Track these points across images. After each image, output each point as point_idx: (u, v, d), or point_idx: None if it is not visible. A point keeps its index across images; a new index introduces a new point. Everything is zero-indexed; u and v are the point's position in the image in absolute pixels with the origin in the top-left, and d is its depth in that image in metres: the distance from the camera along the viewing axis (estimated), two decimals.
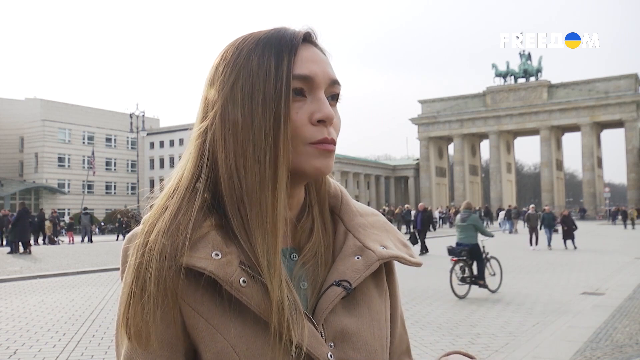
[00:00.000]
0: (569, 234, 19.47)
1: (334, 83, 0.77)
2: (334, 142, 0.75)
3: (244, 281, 0.69)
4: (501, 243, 24.51)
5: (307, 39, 0.78)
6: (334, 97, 0.78)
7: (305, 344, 0.70)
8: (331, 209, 0.86)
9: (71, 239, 29.12)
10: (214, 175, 0.76)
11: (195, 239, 0.70)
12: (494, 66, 67.79)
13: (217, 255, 0.69)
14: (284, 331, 0.68)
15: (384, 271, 0.86)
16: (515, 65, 66.83)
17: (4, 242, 20.01)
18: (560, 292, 9.78)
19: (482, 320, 7.37)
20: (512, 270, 13.38)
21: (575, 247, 19.12)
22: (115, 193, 65.35)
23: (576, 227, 19.62)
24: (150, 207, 0.78)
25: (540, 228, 20.72)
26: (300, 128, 0.72)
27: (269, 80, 0.71)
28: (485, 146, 74.56)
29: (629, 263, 14.79)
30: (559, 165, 69.93)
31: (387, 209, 41.83)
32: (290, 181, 0.74)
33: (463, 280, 9.32)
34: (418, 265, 0.85)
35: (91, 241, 28.05)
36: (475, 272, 9.52)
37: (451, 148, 72.97)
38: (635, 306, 8.21)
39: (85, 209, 31.08)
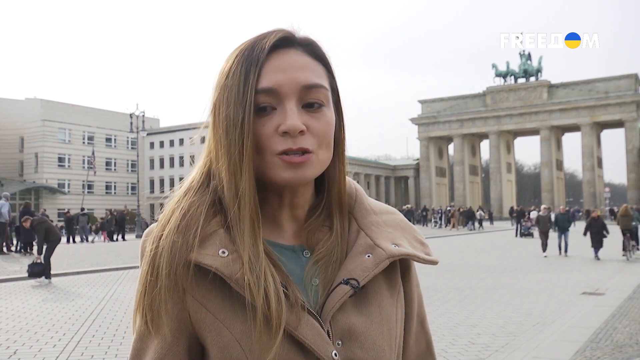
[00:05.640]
0: (599, 242, 15.91)
1: (310, 88, 0.76)
2: (302, 151, 0.74)
3: (247, 279, 0.71)
4: (511, 244, 24.50)
5: (284, 42, 0.78)
6: (310, 105, 0.76)
7: (307, 341, 0.71)
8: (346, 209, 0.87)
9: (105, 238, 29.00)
10: (216, 178, 0.80)
11: (204, 237, 0.74)
12: (494, 66, 67.78)
13: (223, 252, 0.73)
14: (274, 322, 0.70)
15: (398, 270, 0.85)
16: (515, 65, 66.84)
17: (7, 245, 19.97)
18: (560, 292, 9.78)
19: (482, 320, 7.37)
20: (512, 270, 13.40)
21: (598, 258, 15.84)
22: (115, 193, 65.32)
23: (608, 233, 16.03)
24: (161, 206, 0.82)
25: (555, 231, 18.32)
26: (267, 141, 0.74)
27: (238, 96, 0.74)
28: (485, 146, 74.65)
29: (629, 263, 14.80)
30: (559, 165, 69.93)
31: None
32: (278, 186, 0.78)
33: None
34: (434, 263, 0.84)
35: (124, 239, 28.65)
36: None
37: (451, 148, 72.97)
38: (635, 306, 8.21)
39: (83, 209, 31.07)
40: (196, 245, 0.73)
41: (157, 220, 0.80)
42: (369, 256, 0.79)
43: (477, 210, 43.00)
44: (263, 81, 0.74)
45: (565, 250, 17.26)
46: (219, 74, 0.79)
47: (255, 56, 0.75)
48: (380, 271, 0.79)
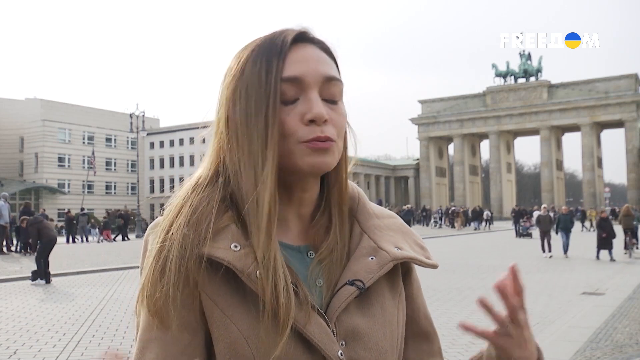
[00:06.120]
0: (607, 242, 15.48)
1: (329, 80, 0.78)
2: (329, 139, 0.76)
3: (259, 273, 0.71)
4: (511, 244, 24.50)
5: (302, 38, 0.79)
6: (331, 98, 0.79)
7: (315, 339, 0.72)
8: (349, 209, 0.87)
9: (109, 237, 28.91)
10: (228, 173, 0.79)
11: (216, 230, 0.73)
12: (494, 66, 67.77)
13: (235, 247, 0.72)
14: (282, 317, 0.70)
15: (399, 272, 0.86)
16: (515, 65, 66.81)
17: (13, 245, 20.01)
18: (560, 292, 9.79)
19: (482, 321, 7.30)
20: None
21: (612, 259, 15.26)
22: (115, 193, 65.33)
23: (615, 235, 15.73)
24: (162, 206, 0.82)
25: (557, 233, 17.88)
26: (293, 129, 0.75)
27: (260, 86, 0.75)
28: (485, 146, 74.63)
29: (629, 263, 14.80)
30: (559, 165, 69.92)
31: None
32: (296, 178, 0.79)
33: None
34: (434, 267, 0.86)
35: (127, 238, 28.54)
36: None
37: (451, 148, 72.96)
38: (635, 306, 8.21)
39: (83, 209, 31.06)
40: (209, 239, 0.72)
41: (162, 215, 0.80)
42: (372, 258, 0.80)
43: (485, 211, 43.13)
44: (287, 70, 0.76)
45: (565, 251, 17.07)
46: (232, 70, 0.79)
47: (277, 47, 0.76)
48: (384, 273, 0.80)
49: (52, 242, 11.67)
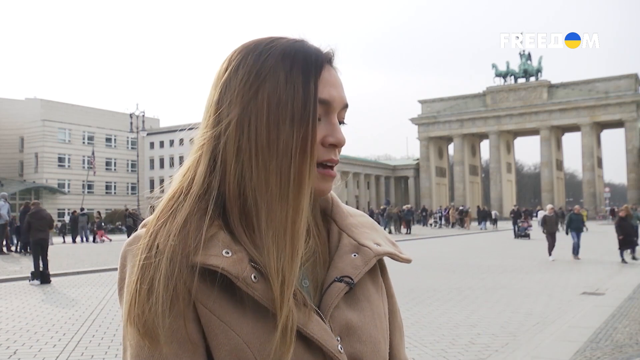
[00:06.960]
0: (629, 242, 14.87)
1: (345, 107, 0.81)
2: (334, 166, 0.79)
3: (255, 277, 0.70)
4: (511, 244, 24.51)
5: (328, 59, 0.80)
6: (340, 121, 0.81)
7: (316, 337, 0.72)
8: (323, 210, 0.89)
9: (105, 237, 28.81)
10: (224, 181, 0.76)
11: (206, 239, 0.72)
12: (494, 66, 67.83)
13: (227, 253, 0.71)
14: (289, 324, 0.70)
15: (378, 268, 0.89)
16: (515, 65, 66.90)
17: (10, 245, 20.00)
18: (560, 292, 9.79)
19: (482, 320, 7.37)
20: (512, 270, 13.40)
21: (635, 258, 14.85)
22: (115, 193, 65.32)
23: (637, 234, 15.36)
24: (151, 209, 0.80)
25: (567, 233, 16.72)
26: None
27: (297, 99, 0.73)
28: (485, 146, 74.71)
29: (629, 263, 14.79)
30: (559, 165, 69.96)
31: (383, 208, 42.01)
32: None
33: None
34: (408, 261, 0.89)
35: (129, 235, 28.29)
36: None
37: (451, 148, 73.02)
38: (635, 306, 8.21)
39: (83, 209, 31.07)
40: (200, 248, 0.71)
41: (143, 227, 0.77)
42: (355, 255, 0.82)
43: (493, 210, 43.39)
44: (321, 92, 0.76)
45: (577, 252, 15.84)
46: (248, 67, 0.75)
47: (312, 66, 0.76)
48: (369, 269, 0.82)
49: (39, 244, 11.58)
